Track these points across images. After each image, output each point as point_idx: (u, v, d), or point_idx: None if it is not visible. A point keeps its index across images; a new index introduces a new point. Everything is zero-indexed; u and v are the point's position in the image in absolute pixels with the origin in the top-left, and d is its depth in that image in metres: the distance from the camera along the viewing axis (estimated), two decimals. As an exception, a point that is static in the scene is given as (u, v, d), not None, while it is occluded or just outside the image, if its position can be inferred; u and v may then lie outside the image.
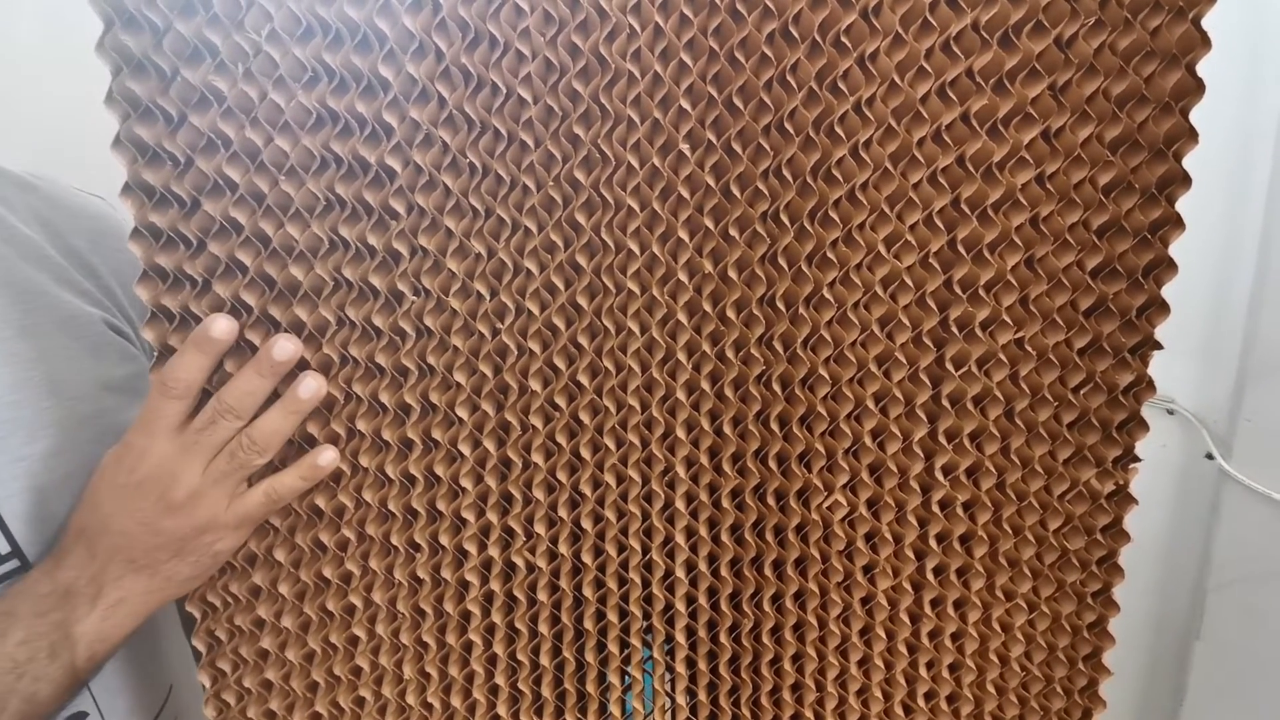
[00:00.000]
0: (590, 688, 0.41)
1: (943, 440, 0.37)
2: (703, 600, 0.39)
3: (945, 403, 0.36)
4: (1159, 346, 0.36)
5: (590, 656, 0.40)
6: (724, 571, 0.39)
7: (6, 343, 0.40)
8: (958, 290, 0.35)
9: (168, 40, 0.32)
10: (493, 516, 0.38)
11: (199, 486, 0.35)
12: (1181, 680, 0.93)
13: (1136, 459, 0.37)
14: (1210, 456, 0.85)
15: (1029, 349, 0.35)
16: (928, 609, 0.39)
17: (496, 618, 0.40)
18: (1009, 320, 0.35)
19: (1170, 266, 0.34)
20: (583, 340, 0.36)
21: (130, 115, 0.33)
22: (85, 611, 0.35)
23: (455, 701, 0.41)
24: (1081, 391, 0.36)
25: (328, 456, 0.36)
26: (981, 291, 0.35)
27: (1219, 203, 0.82)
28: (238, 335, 0.35)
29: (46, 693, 0.35)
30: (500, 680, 0.41)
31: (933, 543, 0.38)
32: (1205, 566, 0.88)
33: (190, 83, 0.33)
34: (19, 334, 0.40)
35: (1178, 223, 0.33)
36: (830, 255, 0.35)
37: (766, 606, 0.39)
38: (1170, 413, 0.88)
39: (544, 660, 0.40)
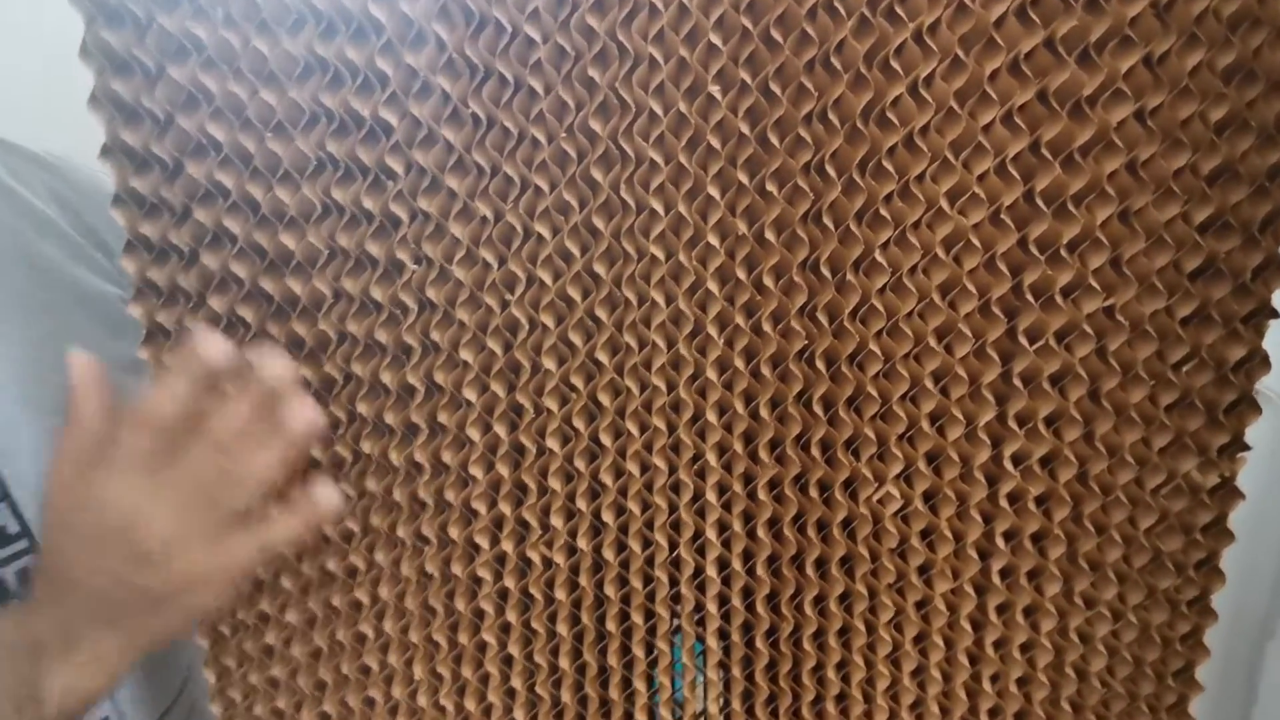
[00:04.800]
0: (614, 693, 0.37)
1: (1013, 425, 0.32)
2: (737, 601, 0.36)
3: (1017, 381, 0.32)
4: (1276, 314, 0.30)
5: (613, 660, 0.37)
6: (760, 570, 0.35)
7: (24, 317, 0.39)
8: (1034, 250, 0.30)
9: (140, -17, 0.29)
10: (506, 508, 0.35)
11: (175, 533, 0.30)
12: (1254, 681, 0.87)
13: (1245, 447, 0.32)
14: (1298, 443, 0.78)
15: (1120, 318, 0.30)
16: (993, 616, 0.35)
17: (511, 616, 0.37)
18: (1096, 285, 0.30)
19: (1296, 218, 0.28)
20: (601, 313, 0.33)
21: (106, 69, 0.30)
22: (55, 666, 0.31)
23: (470, 705, 0.38)
24: (1184, 368, 0.30)
25: (327, 496, 0.32)
26: (1064, 251, 0.30)
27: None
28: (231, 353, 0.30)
29: None
30: (517, 683, 0.37)
31: (1000, 541, 0.34)
32: (1288, 562, 0.81)
33: (167, 30, 0.30)
34: (38, 310, 0.39)
35: (1306, 166, 0.28)
36: (884, 212, 0.30)
37: (808, 609, 0.35)
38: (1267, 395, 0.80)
39: (563, 663, 0.37)
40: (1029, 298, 0.31)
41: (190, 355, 0.30)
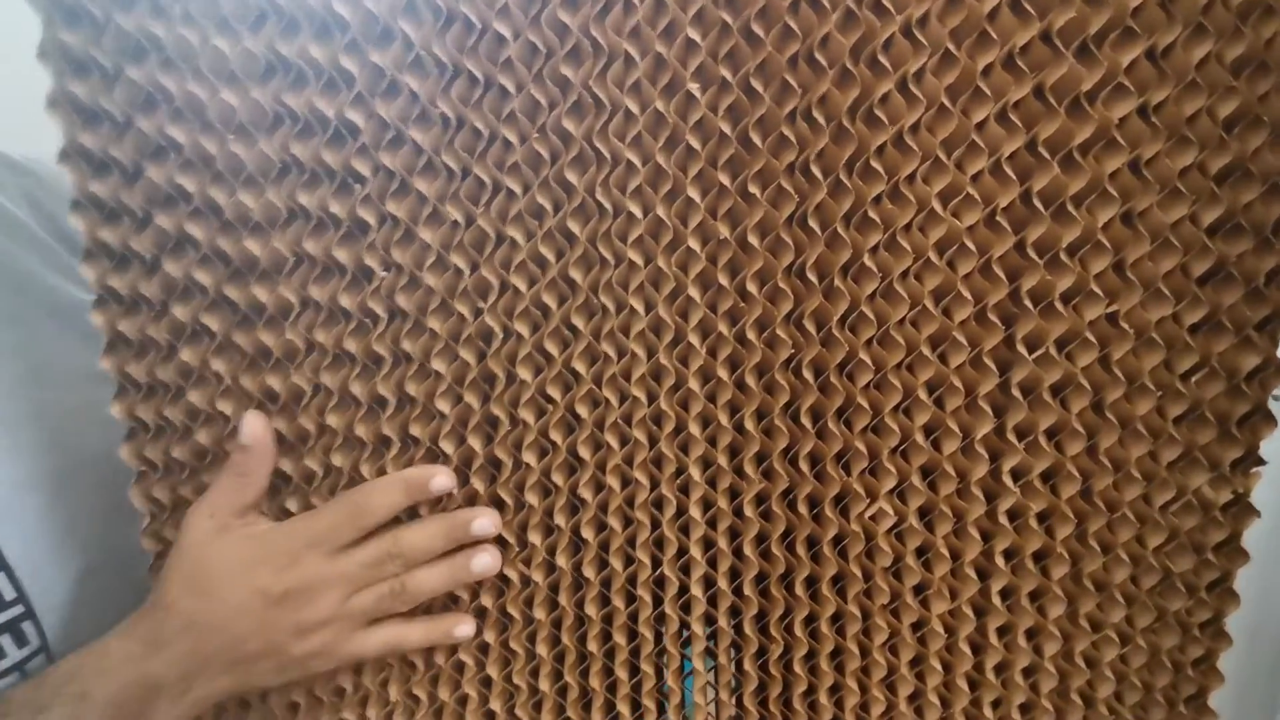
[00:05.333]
0: (597, 716, 0.36)
1: (1012, 438, 0.31)
2: (724, 622, 0.34)
3: (1016, 392, 0.30)
4: (1291, 322, 0.29)
5: (596, 683, 0.35)
6: (748, 590, 0.33)
7: None
8: (1032, 254, 0.28)
9: (96, -20, 0.28)
10: (481, 524, 0.34)
11: (334, 615, 0.33)
12: (1276, 694, 0.85)
13: (1260, 461, 0.30)
14: (1316, 451, 0.75)
15: (1125, 326, 0.29)
16: (994, 638, 0.33)
17: (489, 636, 0.35)
18: (1099, 290, 0.28)
19: (1314, 219, 0.27)
20: (578, 321, 0.31)
21: (65, 70, 0.29)
22: (166, 708, 0.33)
23: (447, 728, 0.36)
24: (1193, 378, 0.29)
25: (464, 630, 0.34)
26: (1064, 255, 0.28)
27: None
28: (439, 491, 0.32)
29: None
30: (496, 706, 0.36)
31: (1000, 560, 0.32)
32: (1308, 574, 0.79)
33: (125, 30, 0.29)
34: (7, 320, 0.38)
35: (1324, 163, 0.26)
36: (873, 215, 0.29)
37: (799, 631, 0.34)
38: (1277, 398, 0.78)
39: (544, 686, 0.35)
40: (1027, 304, 0.29)
41: (420, 479, 0.32)
